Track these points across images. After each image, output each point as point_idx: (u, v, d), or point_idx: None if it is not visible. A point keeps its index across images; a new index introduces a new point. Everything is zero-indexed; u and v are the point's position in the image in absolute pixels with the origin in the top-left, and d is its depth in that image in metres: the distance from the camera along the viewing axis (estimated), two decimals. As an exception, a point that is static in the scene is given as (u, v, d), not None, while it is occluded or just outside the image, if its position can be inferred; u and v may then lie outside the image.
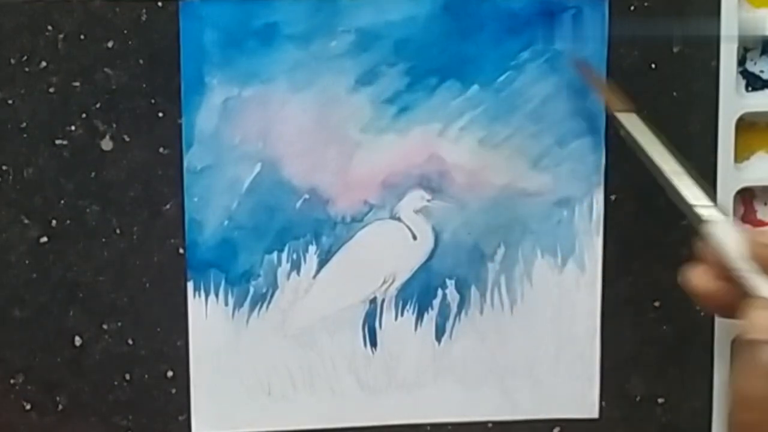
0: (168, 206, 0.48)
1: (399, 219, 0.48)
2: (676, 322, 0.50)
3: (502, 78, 0.48)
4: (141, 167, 0.47)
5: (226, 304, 0.48)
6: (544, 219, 0.49)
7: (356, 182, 0.48)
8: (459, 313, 0.49)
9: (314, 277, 0.48)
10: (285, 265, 0.48)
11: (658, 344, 0.50)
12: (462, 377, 0.50)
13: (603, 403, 0.50)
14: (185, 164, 0.47)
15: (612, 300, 0.49)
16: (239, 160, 0.47)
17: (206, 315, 0.48)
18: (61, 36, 0.46)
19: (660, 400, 0.50)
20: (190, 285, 0.48)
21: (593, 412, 0.50)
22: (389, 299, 0.49)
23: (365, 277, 0.49)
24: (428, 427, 0.50)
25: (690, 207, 0.43)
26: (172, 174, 0.47)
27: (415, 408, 0.50)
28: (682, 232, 0.46)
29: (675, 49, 0.48)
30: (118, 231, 0.48)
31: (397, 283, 0.49)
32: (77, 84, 0.47)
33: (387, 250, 0.49)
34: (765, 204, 0.50)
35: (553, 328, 0.49)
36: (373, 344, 0.49)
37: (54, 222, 0.48)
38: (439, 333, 0.49)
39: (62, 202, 0.47)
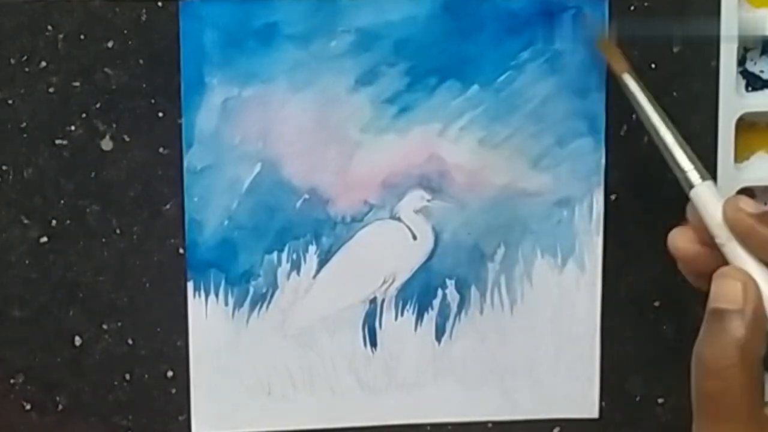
0: (168, 206, 0.48)
1: (399, 219, 0.48)
2: (676, 322, 0.50)
3: (502, 78, 0.48)
4: (141, 167, 0.47)
5: (226, 304, 0.48)
6: (544, 219, 0.49)
7: (356, 182, 0.48)
8: (459, 313, 0.49)
9: (314, 277, 0.48)
10: (285, 265, 0.48)
11: (658, 344, 0.50)
12: (462, 377, 0.50)
13: (603, 403, 0.50)
14: (185, 164, 0.47)
15: (612, 300, 0.49)
16: (239, 160, 0.47)
17: (206, 315, 0.48)
18: (61, 36, 0.46)
19: (660, 400, 0.50)
20: (190, 285, 0.48)
21: (593, 412, 0.50)
22: (389, 299, 0.49)
23: (365, 277, 0.49)
24: (428, 427, 0.50)
25: (682, 172, 0.43)
26: (172, 174, 0.47)
27: (415, 408, 0.50)
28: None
29: (675, 49, 0.48)
30: (118, 231, 0.48)
31: (397, 283, 0.49)
32: (77, 84, 0.47)
33: (387, 250, 0.49)
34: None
35: (553, 328, 0.49)
36: (373, 344, 0.49)
37: (54, 222, 0.48)
38: (439, 333, 0.49)
39: (62, 202, 0.47)
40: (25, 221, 0.47)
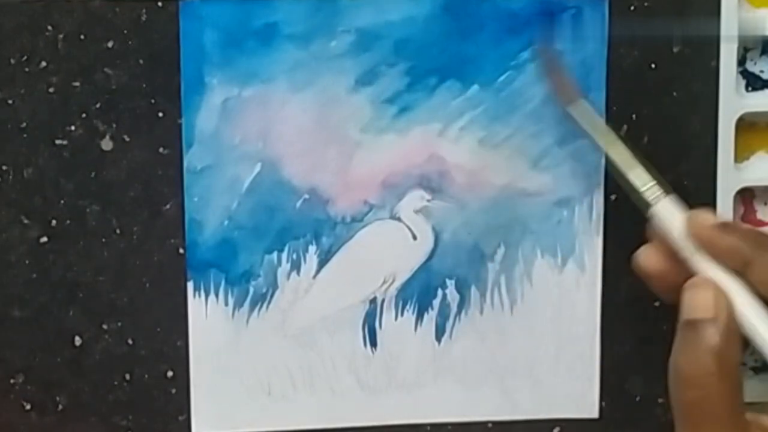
0: (168, 206, 0.48)
1: (399, 219, 0.48)
2: (676, 322, 0.50)
3: (502, 78, 0.48)
4: (141, 167, 0.47)
5: (226, 304, 0.48)
6: (544, 219, 0.49)
7: (356, 182, 0.48)
8: (459, 313, 0.49)
9: (314, 277, 0.48)
10: (285, 265, 0.48)
11: (658, 344, 0.50)
12: (462, 377, 0.50)
13: (603, 403, 0.50)
14: (185, 164, 0.47)
15: (612, 300, 0.49)
16: (239, 160, 0.47)
17: (206, 315, 0.48)
18: (61, 36, 0.46)
19: (660, 400, 0.50)
20: (190, 285, 0.48)
21: (593, 412, 0.50)
22: (389, 299, 0.49)
23: (365, 277, 0.49)
24: (428, 427, 0.50)
25: (637, 193, 0.43)
26: (172, 174, 0.47)
27: (415, 408, 0.50)
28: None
29: (675, 49, 0.48)
30: (118, 231, 0.48)
31: (397, 283, 0.49)
32: (77, 84, 0.47)
33: (387, 250, 0.49)
34: (765, 204, 0.50)
35: (553, 328, 0.49)
36: (373, 344, 0.49)
37: (54, 222, 0.48)
38: (439, 333, 0.49)
39: (62, 202, 0.47)
40: (25, 221, 0.47)
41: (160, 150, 0.47)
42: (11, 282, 0.48)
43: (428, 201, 0.48)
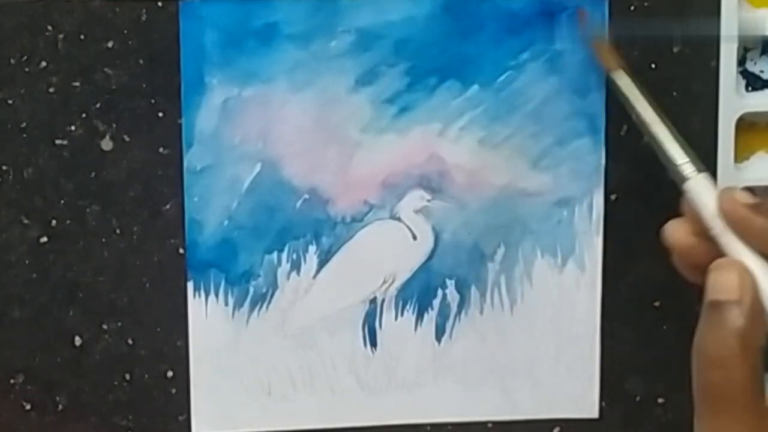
0: (168, 206, 0.48)
1: (399, 219, 0.48)
2: (676, 322, 0.50)
3: (502, 78, 0.48)
4: (141, 167, 0.47)
5: (226, 304, 0.48)
6: (544, 219, 0.49)
7: (356, 182, 0.48)
8: (459, 313, 0.49)
9: (314, 277, 0.48)
10: (285, 265, 0.48)
11: (658, 344, 0.50)
12: (462, 377, 0.50)
13: (603, 403, 0.50)
14: (185, 164, 0.47)
15: (612, 300, 0.49)
16: (239, 160, 0.47)
17: (206, 315, 0.48)
18: (61, 36, 0.46)
19: (660, 400, 0.50)
20: (190, 285, 0.48)
21: (593, 412, 0.50)
22: (389, 299, 0.49)
23: (365, 277, 0.49)
24: (428, 427, 0.50)
25: (675, 165, 0.43)
26: (172, 174, 0.47)
27: (415, 408, 0.50)
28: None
29: (675, 49, 0.48)
30: (118, 231, 0.48)
31: (397, 283, 0.49)
32: (77, 84, 0.47)
33: (387, 250, 0.49)
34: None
35: (553, 328, 0.49)
36: (373, 344, 0.49)
37: (54, 222, 0.48)
38: (439, 333, 0.49)
39: (62, 202, 0.47)
40: (25, 221, 0.47)
41: (160, 150, 0.47)
42: (11, 282, 0.48)
43: (428, 201, 0.48)
